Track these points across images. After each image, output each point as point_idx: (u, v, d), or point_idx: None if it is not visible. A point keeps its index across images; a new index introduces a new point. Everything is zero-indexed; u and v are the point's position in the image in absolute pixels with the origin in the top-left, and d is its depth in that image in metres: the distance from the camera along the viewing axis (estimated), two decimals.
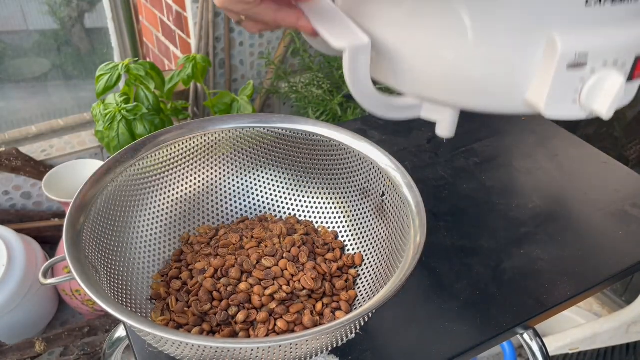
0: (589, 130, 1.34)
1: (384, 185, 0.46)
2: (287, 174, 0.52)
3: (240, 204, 0.52)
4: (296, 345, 0.34)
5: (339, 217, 0.50)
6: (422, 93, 0.49)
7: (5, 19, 1.47)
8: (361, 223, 0.48)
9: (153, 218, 0.47)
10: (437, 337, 0.44)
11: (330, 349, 0.38)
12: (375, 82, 0.48)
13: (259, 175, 0.52)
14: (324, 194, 0.51)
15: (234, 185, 0.52)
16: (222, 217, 0.51)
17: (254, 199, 0.52)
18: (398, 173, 0.44)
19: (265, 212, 0.52)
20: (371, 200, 0.48)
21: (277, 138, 0.50)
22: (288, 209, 0.52)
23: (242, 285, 0.41)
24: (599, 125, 1.35)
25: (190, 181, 0.50)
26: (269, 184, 0.52)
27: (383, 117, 0.46)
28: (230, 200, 0.52)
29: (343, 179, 0.49)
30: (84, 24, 1.59)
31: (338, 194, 0.50)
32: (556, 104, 0.42)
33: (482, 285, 0.49)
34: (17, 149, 1.38)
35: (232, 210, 0.52)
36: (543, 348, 0.49)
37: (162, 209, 0.48)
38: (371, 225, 0.47)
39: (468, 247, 0.53)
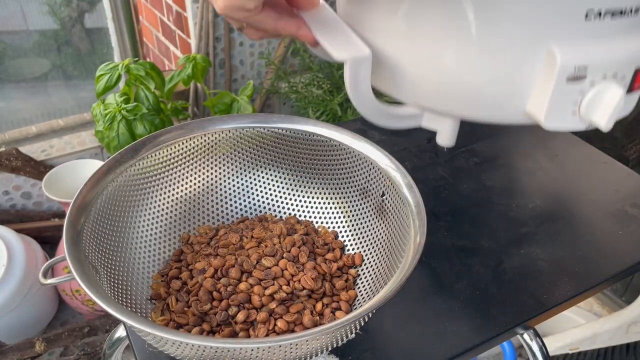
0: (589, 130, 1.34)
1: (384, 185, 0.46)
2: (287, 174, 0.52)
3: (240, 204, 0.52)
4: (296, 345, 0.34)
5: (339, 217, 0.50)
6: (423, 103, 0.50)
7: (5, 19, 1.47)
8: (361, 223, 0.48)
9: (153, 218, 0.47)
10: (437, 337, 0.44)
11: (330, 349, 0.38)
12: (375, 91, 0.48)
13: (259, 175, 0.52)
14: (324, 194, 0.51)
15: (234, 185, 0.52)
16: (222, 217, 0.51)
17: (254, 199, 0.52)
18: (398, 173, 0.44)
19: (265, 212, 0.52)
20: (371, 200, 0.48)
21: (277, 138, 0.50)
22: (288, 209, 0.52)
23: (242, 285, 0.41)
24: None
25: (190, 181, 0.50)
26: (269, 184, 0.52)
27: (384, 126, 0.47)
28: (230, 200, 0.52)
29: (343, 179, 0.49)
30: (84, 24, 1.59)
31: (338, 194, 0.50)
32: (556, 115, 0.43)
33: (482, 285, 0.49)
34: (17, 149, 1.38)
35: (232, 210, 0.52)
36: (543, 348, 0.49)
37: (162, 209, 0.48)
38: (371, 225, 0.47)
39: (468, 247, 0.53)
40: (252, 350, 0.33)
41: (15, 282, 1.20)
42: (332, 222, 0.50)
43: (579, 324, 1.10)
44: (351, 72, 0.45)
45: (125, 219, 0.45)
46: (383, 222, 0.46)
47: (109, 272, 0.41)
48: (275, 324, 0.40)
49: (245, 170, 0.52)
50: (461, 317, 0.46)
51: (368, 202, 0.48)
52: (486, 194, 0.60)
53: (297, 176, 0.51)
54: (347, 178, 0.49)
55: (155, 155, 0.47)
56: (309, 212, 0.51)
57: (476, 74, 0.43)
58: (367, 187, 0.48)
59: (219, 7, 0.42)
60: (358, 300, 0.44)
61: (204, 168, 0.50)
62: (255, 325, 0.40)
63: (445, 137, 0.54)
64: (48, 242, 1.45)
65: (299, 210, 0.51)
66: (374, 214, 0.47)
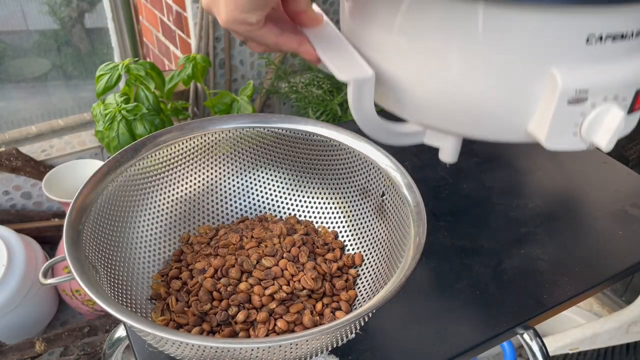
0: None
1: (384, 185, 0.46)
2: (287, 174, 0.52)
3: (240, 204, 0.52)
4: (296, 345, 0.34)
5: (339, 217, 0.50)
6: (425, 121, 0.50)
7: (5, 19, 1.47)
8: (361, 223, 0.48)
9: (153, 218, 0.47)
10: (437, 337, 0.44)
11: (330, 349, 0.38)
12: (377, 106, 0.48)
13: (259, 175, 0.52)
14: (324, 194, 0.51)
15: (234, 185, 0.52)
16: (222, 217, 0.51)
17: (254, 199, 0.52)
18: (398, 173, 0.44)
19: (265, 212, 0.52)
20: (371, 200, 0.48)
21: (277, 138, 0.50)
22: (288, 209, 0.52)
23: (242, 285, 0.41)
24: None
25: (190, 181, 0.50)
26: (269, 184, 0.52)
27: (386, 143, 0.47)
28: (230, 200, 0.52)
29: (343, 179, 0.49)
30: (84, 24, 1.59)
31: (338, 194, 0.50)
32: (557, 136, 0.43)
33: (482, 285, 0.49)
34: (17, 149, 1.38)
35: (232, 210, 0.52)
36: (543, 348, 0.49)
37: (162, 209, 0.48)
38: (371, 225, 0.47)
39: (468, 247, 0.53)
40: (252, 350, 0.33)
41: (15, 282, 1.20)
42: (332, 222, 0.50)
43: (579, 324, 1.10)
44: (354, 92, 0.46)
45: (125, 219, 0.45)
46: (383, 222, 0.46)
47: (109, 272, 0.41)
48: (275, 324, 0.40)
49: (245, 170, 0.52)
50: (461, 317, 0.46)
51: (368, 202, 0.48)
52: (486, 194, 0.60)
53: (297, 176, 0.51)
54: (347, 178, 0.49)
55: (155, 155, 0.47)
56: (309, 212, 0.51)
57: (478, 94, 0.43)
58: (367, 187, 0.48)
59: (221, 21, 0.42)
60: (358, 300, 0.44)
61: (204, 168, 0.50)
62: (255, 325, 0.40)
63: (448, 154, 0.54)
64: (48, 242, 1.45)
65: (299, 210, 0.51)
66: (374, 214, 0.47)
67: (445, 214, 0.56)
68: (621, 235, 0.55)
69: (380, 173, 0.46)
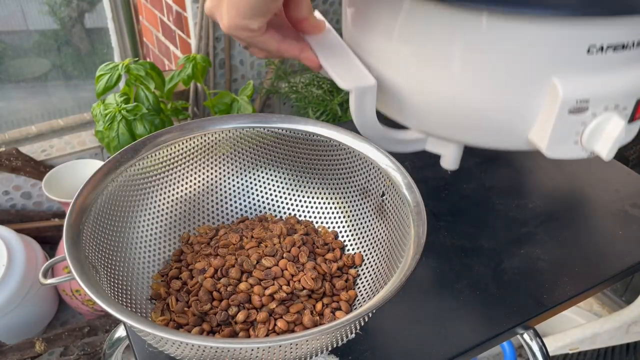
0: None
1: (384, 185, 0.46)
2: (287, 174, 0.52)
3: (240, 204, 0.52)
4: (296, 345, 0.34)
5: (339, 217, 0.50)
6: (426, 129, 0.50)
7: (5, 19, 1.47)
8: (361, 223, 0.48)
9: (153, 218, 0.47)
10: (437, 337, 0.44)
11: (330, 349, 0.38)
12: (379, 113, 0.48)
13: (259, 175, 0.52)
14: (324, 194, 0.51)
15: (234, 185, 0.52)
16: (222, 217, 0.51)
17: (254, 199, 0.52)
18: (398, 173, 0.44)
19: (265, 212, 0.52)
20: (371, 200, 0.48)
21: (277, 138, 0.50)
22: (288, 209, 0.52)
23: (242, 285, 0.41)
24: None
25: (190, 181, 0.50)
26: (269, 184, 0.52)
27: (388, 150, 0.47)
28: (230, 200, 0.52)
29: (343, 179, 0.49)
30: (84, 24, 1.59)
31: (338, 194, 0.50)
32: (558, 145, 0.43)
33: (482, 285, 0.49)
34: (17, 149, 1.38)
35: (232, 210, 0.52)
36: (543, 348, 0.49)
37: (162, 209, 0.48)
38: (371, 225, 0.47)
39: (468, 247, 0.53)
40: (252, 350, 0.33)
41: (15, 282, 1.20)
42: (332, 222, 0.50)
43: (579, 324, 1.10)
44: (356, 100, 0.46)
45: (125, 219, 0.45)
46: (383, 222, 0.46)
47: (109, 272, 0.41)
48: (275, 324, 0.40)
49: (245, 170, 0.52)
50: (461, 317, 0.46)
51: (368, 202, 0.48)
52: (486, 194, 0.60)
53: (297, 176, 0.51)
54: (347, 178, 0.49)
55: (155, 155, 0.47)
56: (309, 212, 0.51)
57: (480, 103, 0.44)
58: (367, 187, 0.48)
59: (223, 26, 0.42)
60: (358, 300, 0.44)
61: (204, 168, 0.50)
62: (255, 325, 0.40)
63: (449, 161, 0.55)
64: (48, 242, 1.45)
65: (299, 210, 0.51)
66: (374, 214, 0.47)
67: (445, 214, 0.56)
68: (621, 235, 0.55)
69: (380, 173, 0.46)
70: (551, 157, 0.44)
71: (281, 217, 0.52)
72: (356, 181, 0.49)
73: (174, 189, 0.49)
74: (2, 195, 1.45)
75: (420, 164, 0.64)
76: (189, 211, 0.50)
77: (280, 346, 0.33)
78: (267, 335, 0.40)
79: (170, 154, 0.48)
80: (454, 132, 0.48)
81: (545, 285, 0.49)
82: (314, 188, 0.51)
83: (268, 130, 0.50)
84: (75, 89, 1.65)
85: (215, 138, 0.49)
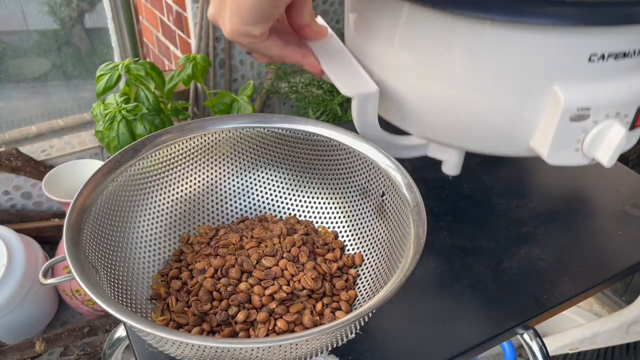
0: None
1: (384, 185, 0.46)
2: (287, 174, 0.52)
3: (240, 204, 0.52)
4: (296, 345, 0.34)
5: (339, 217, 0.50)
6: (428, 135, 0.50)
7: (5, 19, 1.47)
8: (361, 223, 0.48)
9: (153, 218, 0.47)
10: (437, 337, 0.44)
11: (330, 349, 0.38)
12: (381, 119, 0.49)
13: (259, 175, 0.52)
14: (324, 194, 0.51)
15: (234, 185, 0.52)
16: (222, 217, 0.51)
17: (254, 199, 0.52)
18: (398, 173, 0.44)
19: (265, 212, 0.52)
20: (371, 200, 0.48)
21: (277, 138, 0.50)
22: (288, 209, 0.52)
23: (242, 285, 0.41)
24: None
25: (190, 181, 0.50)
26: (269, 184, 0.52)
27: (390, 155, 0.47)
28: (230, 200, 0.52)
29: (343, 179, 0.49)
30: (84, 24, 1.59)
31: (338, 194, 0.50)
32: (559, 152, 0.43)
33: (482, 285, 0.49)
34: (17, 149, 1.38)
35: (232, 210, 0.52)
36: (543, 348, 0.49)
37: (162, 209, 0.48)
38: (371, 225, 0.47)
39: (468, 247, 0.53)
40: (252, 350, 0.33)
41: (15, 282, 1.20)
42: (332, 222, 0.50)
43: (579, 324, 1.10)
44: (358, 106, 0.46)
45: (125, 219, 0.45)
46: (383, 222, 0.46)
47: (109, 272, 0.41)
48: (275, 324, 0.40)
49: (245, 170, 0.52)
50: (461, 317, 0.46)
51: (368, 202, 0.48)
52: (486, 194, 0.60)
53: (297, 176, 0.51)
54: (347, 178, 0.49)
55: (155, 155, 0.47)
56: (309, 212, 0.51)
57: (481, 110, 0.44)
58: (367, 187, 0.48)
59: (226, 32, 0.43)
60: (358, 300, 0.44)
61: (204, 168, 0.50)
62: (255, 325, 0.40)
63: (451, 166, 0.55)
64: (48, 242, 1.45)
65: (299, 210, 0.51)
66: (374, 214, 0.47)
67: (445, 214, 0.56)
68: (621, 235, 0.55)
69: (380, 173, 0.46)
70: (552, 164, 0.44)
71: (281, 217, 0.52)
72: (356, 181, 0.49)
73: (174, 189, 0.49)
74: (2, 195, 1.45)
75: (420, 164, 0.64)
76: (189, 211, 0.50)
77: (280, 346, 0.33)
78: (267, 335, 0.40)
79: (170, 154, 0.48)
80: (455, 138, 0.48)
81: (545, 285, 0.49)
82: (314, 188, 0.51)
83: (268, 130, 0.50)
84: (75, 89, 1.65)
85: (215, 138, 0.50)
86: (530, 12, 0.37)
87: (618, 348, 1.14)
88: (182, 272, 0.45)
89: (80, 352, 1.10)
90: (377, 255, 0.45)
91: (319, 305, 0.42)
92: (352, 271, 0.46)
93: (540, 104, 0.42)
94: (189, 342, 0.32)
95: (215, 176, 0.51)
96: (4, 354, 1.09)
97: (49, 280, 0.39)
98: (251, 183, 0.52)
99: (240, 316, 0.40)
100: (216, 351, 0.33)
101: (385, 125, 0.52)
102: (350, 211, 0.49)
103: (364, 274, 0.46)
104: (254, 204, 0.52)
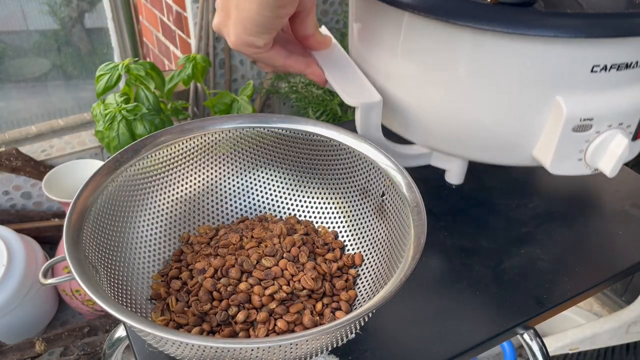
0: None
1: (384, 185, 0.46)
2: (287, 174, 0.52)
3: (240, 204, 0.52)
4: (296, 345, 0.34)
5: (339, 217, 0.50)
6: (431, 144, 0.50)
7: (5, 19, 1.47)
8: (361, 223, 0.48)
9: (153, 218, 0.47)
10: (437, 337, 0.44)
11: (330, 349, 0.38)
12: (385, 127, 0.49)
13: (259, 175, 0.52)
14: (324, 194, 0.51)
15: (234, 185, 0.52)
16: (222, 217, 0.51)
17: (254, 199, 0.52)
18: (398, 173, 0.44)
19: (265, 212, 0.52)
20: (371, 200, 0.48)
21: (277, 138, 0.50)
22: (288, 209, 0.52)
23: (242, 285, 0.41)
24: None
25: (190, 181, 0.50)
26: (269, 184, 0.52)
27: None
28: (230, 200, 0.52)
29: (343, 179, 0.49)
30: (84, 24, 1.59)
31: (338, 194, 0.50)
32: (562, 162, 0.43)
33: (482, 285, 0.49)
34: (17, 149, 1.38)
35: (232, 210, 0.52)
36: (543, 348, 0.49)
37: (162, 209, 0.48)
38: (371, 225, 0.47)
39: (468, 247, 0.53)
40: (252, 350, 0.33)
41: (15, 282, 1.20)
42: (332, 222, 0.50)
43: (579, 324, 1.10)
44: (362, 116, 0.46)
45: (125, 219, 0.45)
46: (383, 222, 0.46)
47: (109, 272, 0.41)
48: (275, 324, 0.40)
49: (245, 170, 0.52)
50: (461, 317, 0.46)
51: (368, 202, 0.48)
52: (486, 194, 0.60)
53: (297, 176, 0.51)
54: (347, 178, 0.49)
55: (155, 155, 0.47)
56: (309, 212, 0.51)
57: (484, 120, 0.44)
58: (367, 187, 0.48)
59: (230, 42, 0.43)
60: (358, 300, 0.44)
61: (204, 168, 0.50)
62: (255, 325, 0.40)
63: (454, 175, 0.55)
64: (48, 242, 1.45)
65: (299, 210, 0.51)
66: (374, 214, 0.47)
67: (445, 214, 0.56)
68: (621, 235, 0.55)
69: (380, 173, 0.46)
70: (555, 173, 0.44)
71: (281, 217, 0.52)
72: (356, 181, 0.49)
73: (174, 189, 0.49)
74: (2, 195, 1.44)
75: None
76: (189, 211, 0.50)
77: (280, 346, 0.33)
78: (267, 335, 0.40)
79: (170, 154, 0.48)
80: (458, 148, 0.48)
81: (545, 285, 0.49)
82: (314, 188, 0.51)
83: (268, 130, 0.50)
84: (75, 89, 1.65)
85: (215, 138, 0.50)
86: (532, 25, 0.37)
87: (618, 348, 1.14)
88: (182, 272, 0.45)
89: (80, 352, 1.10)
90: (377, 255, 0.45)
91: (319, 305, 0.42)
92: (352, 271, 0.46)
93: (542, 115, 0.42)
94: (189, 342, 0.32)
95: (215, 176, 0.51)
96: (4, 354, 1.09)
97: (49, 280, 0.39)
98: (251, 183, 0.52)
99: (240, 316, 0.40)
100: (216, 351, 0.33)
101: (389, 134, 0.52)
102: (350, 211, 0.49)
103: (364, 274, 0.46)
104: (254, 204, 0.52)
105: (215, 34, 1.44)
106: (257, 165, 0.52)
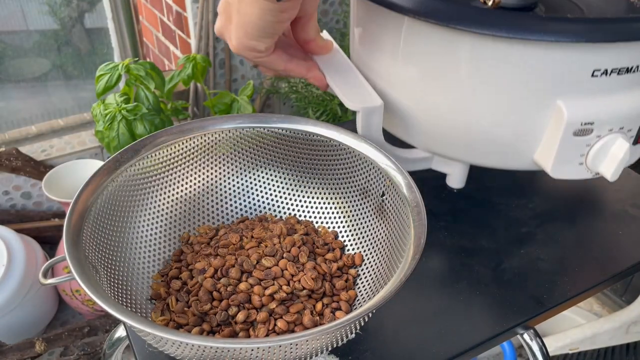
0: None
1: (384, 185, 0.46)
2: (287, 174, 0.52)
3: (240, 204, 0.52)
4: (296, 345, 0.34)
5: (339, 217, 0.50)
6: (432, 149, 0.50)
7: (5, 19, 1.47)
8: (361, 223, 0.48)
9: (153, 218, 0.47)
10: (437, 337, 0.44)
11: (330, 349, 0.38)
12: (386, 131, 0.49)
13: (259, 175, 0.52)
14: (324, 194, 0.51)
15: (234, 185, 0.52)
16: (222, 217, 0.51)
17: (254, 199, 0.52)
18: (398, 173, 0.44)
19: (265, 212, 0.52)
20: (371, 200, 0.48)
21: (277, 138, 0.50)
22: (288, 209, 0.52)
23: (242, 285, 0.41)
24: None
25: (190, 181, 0.50)
26: (269, 184, 0.52)
27: None
28: (230, 200, 0.52)
29: (343, 179, 0.49)
30: (84, 24, 1.59)
31: (338, 194, 0.50)
32: (563, 166, 0.43)
33: (482, 285, 0.49)
34: (17, 149, 1.38)
35: (232, 210, 0.52)
36: (543, 348, 0.49)
37: (162, 209, 0.48)
38: (371, 225, 0.47)
39: (468, 247, 0.53)
40: (252, 350, 0.33)
41: (15, 282, 1.20)
42: (332, 222, 0.50)
43: (579, 324, 1.10)
44: (363, 120, 0.46)
45: (125, 219, 0.45)
46: (383, 222, 0.46)
47: (109, 272, 0.41)
48: (275, 324, 0.40)
49: (245, 170, 0.52)
50: (461, 317, 0.46)
51: (368, 202, 0.48)
52: (486, 194, 0.60)
53: (297, 176, 0.51)
54: (347, 178, 0.49)
55: (155, 155, 0.47)
56: (309, 212, 0.51)
57: (485, 124, 0.44)
58: (367, 187, 0.48)
59: (232, 47, 0.43)
60: (358, 300, 0.44)
61: (204, 168, 0.50)
62: (255, 325, 0.40)
63: (455, 180, 0.55)
64: (48, 242, 1.45)
65: (299, 210, 0.51)
66: (374, 214, 0.47)
67: (445, 214, 0.56)
68: (621, 235, 0.55)
69: (380, 173, 0.46)
70: (556, 177, 0.44)
71: (281, 217, 0.52)
72: (356, 181, 0.49)
73: (174, 189, 0.49)
74: (2, 195, 1.44)
75: None
76: (189, 211, 0.50)
77: (280, 346, 0.33)
78: (267, 335, 0.40)
79: (170, 154, 0.48)
80: (459, 152, 0.48)
81: (545, 285, 0.49)
82: (314, 188, 0.51)
83: (268, 130, 0.50)
84: (75, 89, 1.65)
85: (215, 138, 0.50)
86: (533, 30, 0.37)
87: (618, 348, 1.14)
88: (182, 272, 0.45)
89: (80, 352, 1.10)
90: (377, 255, 0.45)
91: (319, 305, 0.42)
92: (352, 271, 0.46)
93: (543, 119, 0.42)
94: (189, 342, 0.32)
95: (215, 176, 0.51)
96: (4, 354, 1.09)
97: (49, 280, 0.39)
98: (251, 183, 0.52)
99: (240, 316, 0.40)
100: (216, 351, 0.33)
101: (390, 138, 0.52)
102: (350, 211, 0.49)
103: (364, 274, 0.46)
104: (254, 204, 0.52)
105: (215, 34, 1.44)
106: (257, 165, 0.52)
